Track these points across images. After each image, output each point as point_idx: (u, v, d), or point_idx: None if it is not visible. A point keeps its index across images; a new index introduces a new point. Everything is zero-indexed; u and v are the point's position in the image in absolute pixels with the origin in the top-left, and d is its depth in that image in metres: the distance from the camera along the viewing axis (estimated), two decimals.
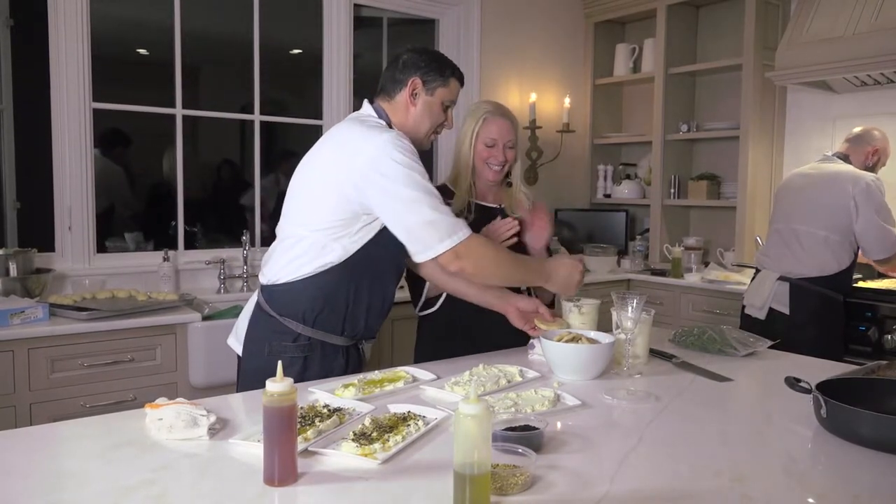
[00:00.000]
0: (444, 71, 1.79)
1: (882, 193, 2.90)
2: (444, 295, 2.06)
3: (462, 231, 1.65)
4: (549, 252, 2.24)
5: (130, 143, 3.46)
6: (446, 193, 2.10)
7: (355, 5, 3.71)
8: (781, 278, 2.98)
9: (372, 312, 1.80)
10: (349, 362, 1.81)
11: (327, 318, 1.73)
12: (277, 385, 1.09)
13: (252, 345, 1.78)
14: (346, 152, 1.67)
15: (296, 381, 1.57)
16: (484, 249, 1.70)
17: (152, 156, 3.56)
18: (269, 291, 1.77)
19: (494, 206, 2.13)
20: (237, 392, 1.68)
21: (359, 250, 1.70)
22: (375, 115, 1.81)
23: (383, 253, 1.74)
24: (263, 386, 1.67)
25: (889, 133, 3.15)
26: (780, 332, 2.52)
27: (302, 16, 3.72)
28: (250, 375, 1.74)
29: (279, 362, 1.14)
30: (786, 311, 2.95)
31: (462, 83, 1.86)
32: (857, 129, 3.14)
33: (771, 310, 3.00)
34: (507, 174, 2.14)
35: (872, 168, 3.06)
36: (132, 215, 3.55)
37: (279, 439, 1.08)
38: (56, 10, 2.89)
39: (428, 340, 2.13)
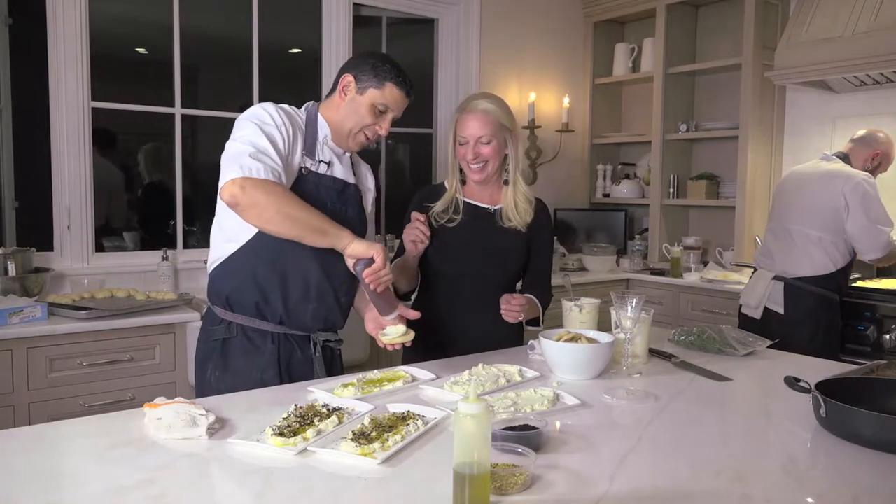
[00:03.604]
0: (380, 75, 1.73)
1: (874, 192, 2.86)
2: (415, 292, 2.08)
3: (257, 172, 1.54)
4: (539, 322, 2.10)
5: (116, 142, 3.42)
6: (443, 192, 2.07)
7: (354, 4, 3.71)
8: (776, 278, 2.98)
9: (292, 294, 1.72)
10: (288, 353, 1.74)
11: (241, 300, 1.71)
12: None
13: (199, 335, 1.81)
14: None
15: (219, 364, 1.68)
16: (272, 189, 1.54)
17: (151, 155, 3.55)
18: (208, 281, 1.80)
19: (487, 206, 2.04)
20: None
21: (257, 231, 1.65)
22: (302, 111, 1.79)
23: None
24: (204, 374, 1.73)
25: (891, 134, 3.13)
26: (775, 331, 2.52)
27: (301, 15, 3.72)
28: (195, 364, 1.79)
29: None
30: (780, 310, 2.95)
31: (407, 94, 1.77)
32: (861, 131, 3.10)
33: (766, 309, 3.00)
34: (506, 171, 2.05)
35: (872, 171, 3.01)
36: (131, 214, 3.54)
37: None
38: (55, 9, 2.89)
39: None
